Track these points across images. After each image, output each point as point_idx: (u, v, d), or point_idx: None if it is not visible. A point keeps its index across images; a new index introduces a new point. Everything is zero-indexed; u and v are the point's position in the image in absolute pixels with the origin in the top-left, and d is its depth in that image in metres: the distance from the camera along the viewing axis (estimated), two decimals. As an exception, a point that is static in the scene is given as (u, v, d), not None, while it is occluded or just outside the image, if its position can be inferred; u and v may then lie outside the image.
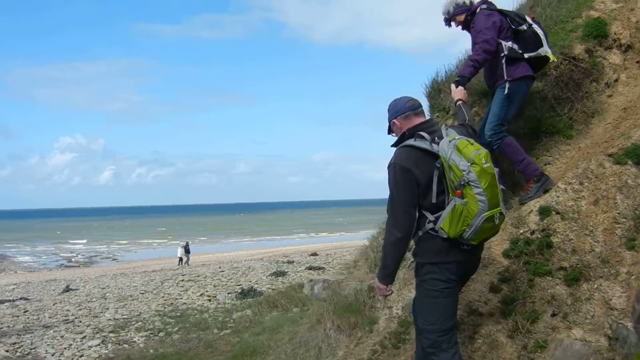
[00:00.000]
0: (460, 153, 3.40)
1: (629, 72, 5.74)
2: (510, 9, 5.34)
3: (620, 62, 5.77)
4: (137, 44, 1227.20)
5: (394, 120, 3.82)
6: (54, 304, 18.17)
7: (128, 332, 12.87)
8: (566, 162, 5.22)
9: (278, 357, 7.21)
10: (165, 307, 15.98)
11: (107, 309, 16.35)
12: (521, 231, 4.77)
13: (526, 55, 4.93)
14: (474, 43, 5.00)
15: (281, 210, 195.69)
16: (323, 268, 22.98)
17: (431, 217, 3.57)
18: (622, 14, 6.00)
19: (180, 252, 37.58)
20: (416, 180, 3.52)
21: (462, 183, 3.37)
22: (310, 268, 23.15)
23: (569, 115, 5.47)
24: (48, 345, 12.10)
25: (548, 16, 6.19)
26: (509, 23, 4.97)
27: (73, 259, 51.59)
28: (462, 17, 5.18)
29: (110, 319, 14.59)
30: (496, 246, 4.84)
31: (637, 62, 5.78)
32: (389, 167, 3.67)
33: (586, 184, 4.59)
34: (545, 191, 4.88)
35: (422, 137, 3.60)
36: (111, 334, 12.68)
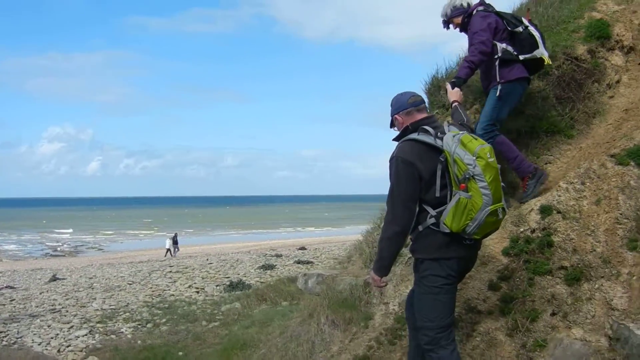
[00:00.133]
0: (465, 147, 3.41)
1: (631, 73, 5.74)
2: (509, 11, 5.34)
3: (622, 63, 5.78)
4: (129, 37, 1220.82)
5: (396, 116, 3.83)
6: (40, 293, 18.03)
7: (116, 322, 12.78)
8: (567, 161, 5.22)
9: (269, 350, 7.16)
10: (153, 299, 15.88)
11: (95, 299, 16.23)
12: (521, 229, 4.76)
13: (521, 57, 4.94)
14: (470, 45, 5.01)
15: (269, 204, 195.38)
16: (312, 262, 22.96)
17: (433, 212, 3.56)
18: (624, 15, 6.01)
19: (168, 243, 37.46)
20: (419, 174, 3.52)
21: (467, 177, 3.38)
22: (299, 262, 23.11)
23: (570, 115, 5.47)
24: (35, 334, 12.00)
25: (550, 16, 6.20)
26: (505, 25, 4.97)
27: (59, 248, 51.34)
28: (459, 20, 5.20)
29: (97, 309, 14.48)
30: (496, 244, 4.84)
31: (639, 64, 5.78)
32: (390, 160, 3.66)
33: (588, 183, 4.59)
34: (542, 185, 4.91)
35: (427, 132, 3.60)
36: (99, 325, 12.59)
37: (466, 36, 5.17)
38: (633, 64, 5.79)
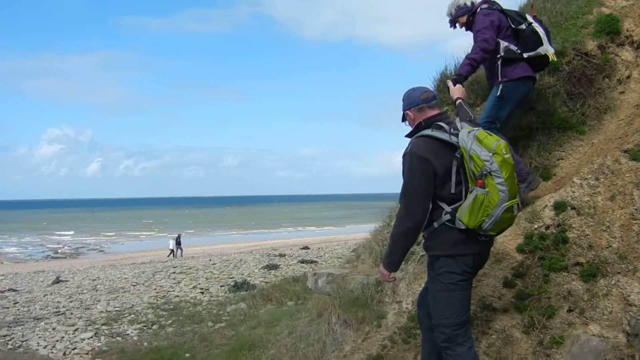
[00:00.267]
0: (481, 143, 3.41)
1: (641, 69, 5.73)
2: (515, 8, 5.31)
3: (633, 59, 5.77)
4: (126, 37, 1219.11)
5: (408, 112, 3.83)
6: (44, 296, 17.95)
7: (121, 324, 12.72)
8: (579, 157, 5.20)
9: (278, 351, 7.15)
10: (157, 300, 15.82)
11: (99, 301, 16.16)
12: (535, 226, 4.75)
13: (525, 55, 4.90)
14: (474, 43, 4.99)
15: (269, 204, 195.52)
16: (316, 262, 22.89)
17: (448, 209, 3.56)
18: (632, 11, 6.00)
19: (171, 244, 37.48)
20: (434, 170, 3.51)
21: (484, 173, 3.37)
22: (302, 261, 23.04)
23: (581, 111, 5.46)
24: (40, 337, 11.91)
25: (558, 12, 6.18)
26: (509, 22, 4.94)
27: (59, 250, 51.31)
28: (464, 19, 5.19)
29: (102, 311, 14.41)
30: (510, 241, 4.82)
31: (649, 59, 5.77)
32: (404, 156, 3.65)
33: (602, 179, 4.57)
34: (531, 190, 4.92)
35: (441, 128, 3.60)
36: (104, 327, 12.53)
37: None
38: (643, 59, 5.78)
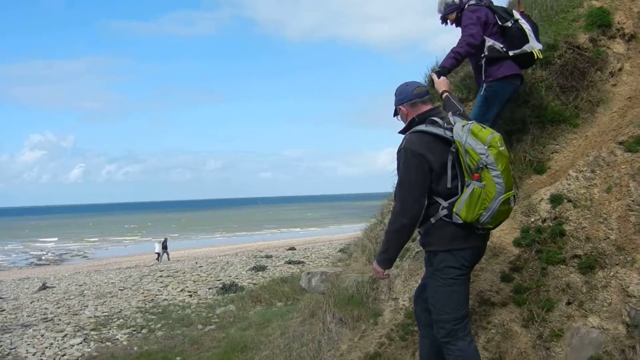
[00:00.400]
0: (476, 137, 3.39)
1: (633, 61, 5.74)
2: (504, 2, 5.29)
3: (624, 51, 5.78)
4: (113, 42, 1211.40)
5: (400, 107, 3.80)
6: (31, 302, 17.79)
7: (110, 329, 12.64)
8: (574, 150, 5.20)
9: (272, 352, 7.08)
10: (146, 304, 15.73)
11: (87, 306, 16.04)
12: (532, 219, 4.74)
13: (511, 53, 4.84)
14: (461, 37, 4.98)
15: (253, 206, 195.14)
16: (303, 262, 22.90)
17: (445, 204, 3.53)
18: (623, 4, 6.02)
19: (157, 247, 37.16)
20: (429, 166, 3.48)
21: (480, 166, 3.36)
22: (289, 262, 23.04)
23: (574, 104, 5.45)
24: (28, 344, 11.82)
25: (549, 5, 6.18)
26: (496, 19, 4.91)
27: (43, 257, 50.72)
28: (453, 16, 5.16)
29: (90, 317, 14.31)
30: (506, 235, 4.81)
31: (640, 51, 5.79)
32: (398, 152, 3.62)
33: (598, 171, 4.57)
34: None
35: (435, 122, 3.57)
36: (93, 332, 12.44)
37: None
38: (634, 52, 5.79)
